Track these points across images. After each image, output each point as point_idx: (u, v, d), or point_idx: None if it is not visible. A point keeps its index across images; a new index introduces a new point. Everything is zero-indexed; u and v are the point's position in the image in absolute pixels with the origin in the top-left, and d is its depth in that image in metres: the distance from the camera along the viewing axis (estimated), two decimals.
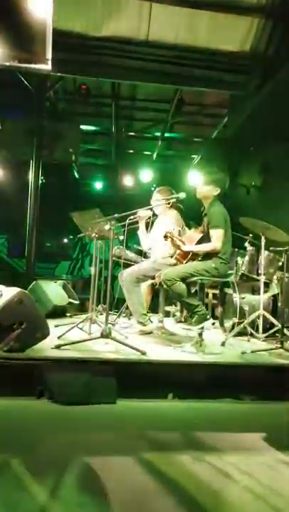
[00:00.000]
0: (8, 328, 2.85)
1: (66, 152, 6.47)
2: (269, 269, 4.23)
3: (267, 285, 4.34)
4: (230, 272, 3.76)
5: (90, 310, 3.89)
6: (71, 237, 10.76)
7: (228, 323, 4.39)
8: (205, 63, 5.40)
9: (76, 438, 2.21)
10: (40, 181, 6.45)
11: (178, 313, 5.18)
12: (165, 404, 2.82)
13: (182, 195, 3.86)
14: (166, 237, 3.59)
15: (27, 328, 2.88)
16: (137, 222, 4.38)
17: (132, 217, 4.21)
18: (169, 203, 4.24)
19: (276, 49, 5.00)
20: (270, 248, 4.17)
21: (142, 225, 4.38)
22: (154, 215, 4.44)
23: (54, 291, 4.85)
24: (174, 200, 4.10)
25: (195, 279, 3.46)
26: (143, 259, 4.57)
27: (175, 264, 3.89)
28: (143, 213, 4.28)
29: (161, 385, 2.89)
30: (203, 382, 2.94)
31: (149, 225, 4.39)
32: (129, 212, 3.97)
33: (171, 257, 4.02)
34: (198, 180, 3.83)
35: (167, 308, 5.17)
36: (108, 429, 2.37)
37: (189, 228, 4.45)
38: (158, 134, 8.25)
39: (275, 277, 4.32)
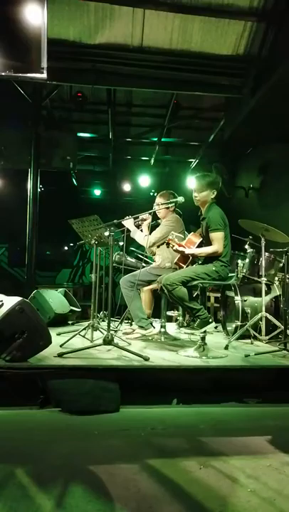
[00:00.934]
0: (10, 338, 2.84)
1: (64, 160, 6.49)
2: (270, 271, 4.22)
3: (268, 287, 4.33)
4: (231, 274, 3.75)
5: (91, 317, 3.88)
6: (71, 244, 10.77)
7: (230, 327, 4.37)
8: (199, 67, 5.42)
9: (80, 446, 2.21)
10: (38, 190, 6.47)
11: (180, 318, 5.16)
12: (170, 409, 2.81)
13: (181, 199, 3.87)
14: (168, 244, 3.60)
15: (29, 337, 2.87)
16: (138, 226, 4.39)
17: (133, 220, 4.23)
18: (168, 207, 4.26)
19: (270, 51, 5.03)
20: (271, 249, 4.16)
21: (144, 229, 4.40)
22: (158, 218, 4.45)
23: (55, 299, 4.84)
24: (173, 204, 4.11)
25: (196, 282, 3.45)
26: (144, 264, 4.57)
27: (170, 268, 3.89)
28: (144, 216, 4.32)
29: (165, 390, 2.88)
30: (207, 387, 2.94)
31: (149, 229, 4.40)
32: (128, 218, 3.98)
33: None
34: (193, 188, 3.79)
35: (169, 313, 5.16)
36: (113, 435, 2.36)
37: (189, 232, 4.45)
38: (155, 139, 8.27)
39: (276, 279, 4.32)
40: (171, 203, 4.08)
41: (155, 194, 4.60)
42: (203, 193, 3.66)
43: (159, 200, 4.34)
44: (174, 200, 3.97)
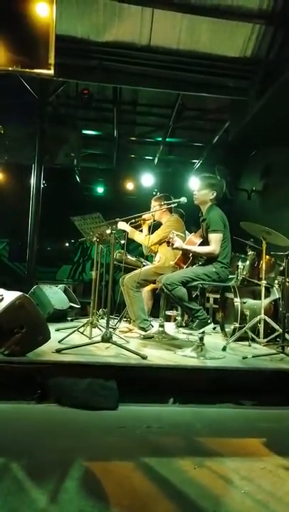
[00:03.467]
0: (9, 332, 2.85)
1: (68, 157, 6.50)
2: (270, 274, 4.22)
3: (268, 290, 4.33)
4: (231, 276, 3.75)
5: (90, 314, 3.88)
6: (72, 241, 10.78)
7: (229, 328, 4.38)
8: (206, 69, 5.43)
9: (77, 442, 2.20)
10: (41, 186, 6.48)
11: (179, 318, 5.17)
12: (166, 408, 2.81)
13: (183, 199, 3.87)
14: (168, 243, 3.61)
15: (28, 331, 2.87)
16: (138, 226, 4.41)
17: (133, 220, 4.24)
18: (164, 209, 4.29)
19: (277, 54, 5.03)
20: (271, 253, 4.17)
21: (145, 229, 4.43)
22: (155, 220, 4.47)
23: (55, 295, 4.84)
24: (175, 204, 4.12)
25: (196, 283, 3.46)
26: (144, 263, 4.58)
27: (175, 268, 3.89)
28: (146, 216, 4.35)
29: (162, 389, 2.88)
30: (204, 387, 2.94)
31: (150, 229, 4.42)
32: (130, 217, 3.99)
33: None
34: (195, 186, 3.84)
35: (168, 312, 5.16)
36: (109, 433, 2.36)
37: (190, 233, 4.46)
38: (159, 138, 8.27)
39: (276, 282, 4.32)
40: (174, 203, 4.08)
41: (158, 194, 4.62)
42: (202, 192, 3.68)
43: (154, 203, 4.38)
44: (177, 200, 3.97)
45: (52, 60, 3.81)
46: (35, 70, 3.88)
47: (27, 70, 3.88)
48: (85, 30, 5.08)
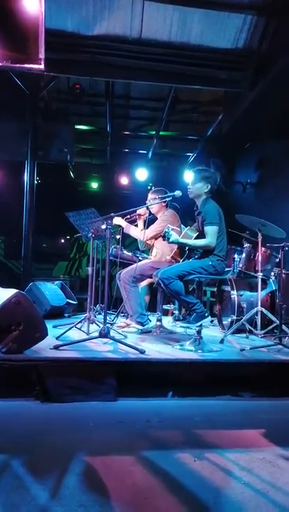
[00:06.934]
0: (5, 330, 2.84)
1: (61, 152, 6.45)
2: (266, 266, 4.23)
3: (264, 282, 4.34)
4: (227, 269, 3.76)
5: (88, 310, 3.88)
6: (68, 237, 10.75)
7: (226, 321, 4.39)
8: (199, 61, 5.39)
9: (76, 438, 2.21)
10: (35, 182, 6.44)
11: (176, 312, 5.17)
12: (165, 402, 2.82)
13: (178, 193, 3.86)
14: (164, 237, 3.61)
15: (25, 329, 2.87)
16: (133, 221, 4.40)
17: (128, 216, 4.23)
18: (159, 204, 4.28)
19: (269, 45, 5.00)
20: (267, 244, 4.17)
21: (140, 223, 4.42)
22: (151, 214, 4.46)
23: (52, 292, 4.84)
24: (170, 198, 4.11)
25: (192, 277, 3.46)
26: (140, 258, 4.57)
27: (171, 262, 3.89)
28: (141, 211, 4.34)
29: (161, 383, 2.89)
30: (202, 380, 2.95)
31: (145, 223, 4.41)
32: (125, 211, 3.98)
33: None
34: (189, 180, 3.85)
35: (165, 306, 5.16)
36: (108, 427, 2.37)
37: (186, 226, 4.46)
38: (153, 132, 8.23)
39: (272, 274, 4.33)
40: (168, 196, 4.07)
41: (152, 188, 4.60)
42: (197, 185, 3.69)
43: (151, 196, 4.37)
44: (172, 194, 3.96)
45: (42, 55, 3.76)
46: (26, 65, 3.83)
47: (17, 65, 3.83)
48: (75, 24, 5.02)
